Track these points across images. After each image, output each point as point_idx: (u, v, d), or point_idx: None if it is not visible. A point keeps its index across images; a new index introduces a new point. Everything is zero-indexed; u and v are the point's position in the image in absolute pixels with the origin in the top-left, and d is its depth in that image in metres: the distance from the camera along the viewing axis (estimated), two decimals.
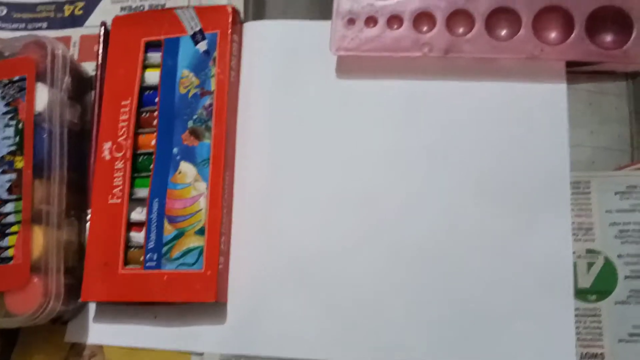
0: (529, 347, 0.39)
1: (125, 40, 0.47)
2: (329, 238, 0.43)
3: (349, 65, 0.45)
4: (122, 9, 0.51)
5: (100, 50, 0.48)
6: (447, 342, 0.40)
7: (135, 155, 0.45)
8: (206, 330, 0.43)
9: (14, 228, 0.42)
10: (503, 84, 0.43)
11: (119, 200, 0.44)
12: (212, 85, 0.45)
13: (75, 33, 0.51)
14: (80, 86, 0.48)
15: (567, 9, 0.42)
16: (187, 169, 0.44)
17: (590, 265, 0.40)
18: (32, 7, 0.52)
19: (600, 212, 0.41)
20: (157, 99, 0.45)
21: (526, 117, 0.43)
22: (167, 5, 0.50)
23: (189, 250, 0.43)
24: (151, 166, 0.44)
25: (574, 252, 0.40)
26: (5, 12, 0.53)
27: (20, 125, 0.44)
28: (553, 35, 0.42)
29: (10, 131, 0.44)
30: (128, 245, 0.44)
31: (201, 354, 0.43)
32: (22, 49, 0.46)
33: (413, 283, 0.41)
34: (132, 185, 0.45)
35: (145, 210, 0.44)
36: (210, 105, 0.44)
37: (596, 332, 0.39)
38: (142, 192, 0.44)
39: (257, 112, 0.46)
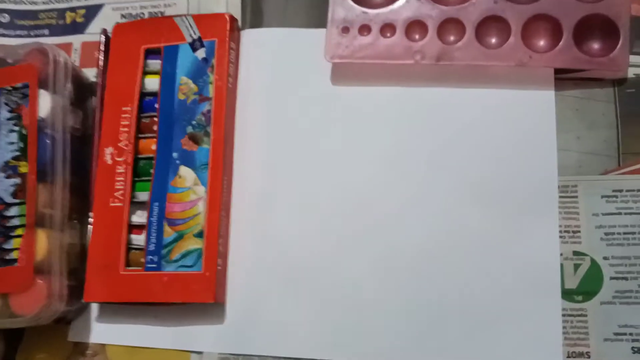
0: (517, 346, 0.40)
1: (126, 47, 0.48)
2: (324, 241, 0.44)
3: (344, 72, 0.46)
4: (123, 16, 0.52)
5: (101, 57, 0.48)
6: (438, 342, 0.41)
7: (136, 160, 0.46)
8: (205, 330, 0.44)
9: (19, 231, 0.43)
10: (493, 90, 0.44)
11: (120, 204, 0.45)
12: (211, 91, 0.46)
13: (76, 40, 0.52)
14: (82, 92, 0.48)
15: (555, 18, 0.42)
16: (186, 173, 0.45)
17: (576, 266, 0.41)
18: (34, 14, 0.53)
19: (586, 215, 0.42)
20: (157, 105, 0.46)
21: (515, 122, 0.43)
22: (167, 13, 0.51)
23: (188, 253, 0.44)
24: (151, 170, 0.45)
25: (561, 254, 0.41)
26: (7, 19, 0.53)
27: (23, 131, 0.44)
28: (542, 43, 0.43)
29: (14, 137, 0.45)
30: (129, 247, 0.45)
31: (200, 353, 0.44)
32: (24, 56, 0.46)
33: (405, 285, 0.42)
34: (133, 189, 0.45)
35: (145, 213, 0.45)
36: (209, 111, 0.45)
37: (582, 331, 0.40)
38: (143, 196, 0.45)
39: (254, 118, 0.47)
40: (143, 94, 0.47)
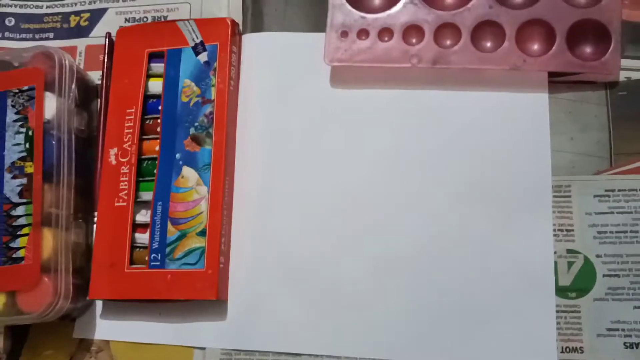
0: (513, 342, 0.41)
1: (130, 50, 0.49)
2: (324, 239, 0.45)
3: (342, 75, 0.47)
4: (127, 20, 0.52)
5: (105, 60, 0.49)
6: (434, 339, 0.42)
7: (140, 161, 0.47)
8: (208, 326, 0.44)
9: (25, 230, 0.44)
10: (488, 93, 0.45)
11: (125, 203, 0.46)
12: (213, 94, 0.46)
13: (81, 43, 0.53)
14: (87, 95, 0.49)
15: (549, 22, 0.43)
16: (189, 174, 0.46)
17: (570, 264, 0.42)
18: (39, 18, 0.54)
19: (580, 214, 0.42)
20: (160, 107, 0.47)
21: (510, 124, 0.44)
22: (170, 18, 0.52)
23: (191, 251, 0.44)
24: (155, 171, 0.46)
25: (555, 252, 0.42)
26: (13, 22, 0.54)
27: (30, 133, 0.45)
28: (535, 47, 0.44)
29: (21, 138, 0.45)
30: (133, 245, 0.45)
31: (203, 349, 0.45)
32: (30, 60, 0.47)
33: (402, 282, 0.43)
34: (137, 189, 0.46)
35: (149, 212, 0.46)
36: (211, 113, 0.46)
37: (576, 327, 0.41)
38: (147, 196, 0.46)
39: (255, 120, 0.47)
40: (147, 97, 0.48)
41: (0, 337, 0.47)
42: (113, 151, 0.47)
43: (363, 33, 0.45)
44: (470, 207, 0.43)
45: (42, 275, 0.43)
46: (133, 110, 0.47)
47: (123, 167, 0.46)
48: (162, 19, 0.52)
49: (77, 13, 0.53)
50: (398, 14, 0.45)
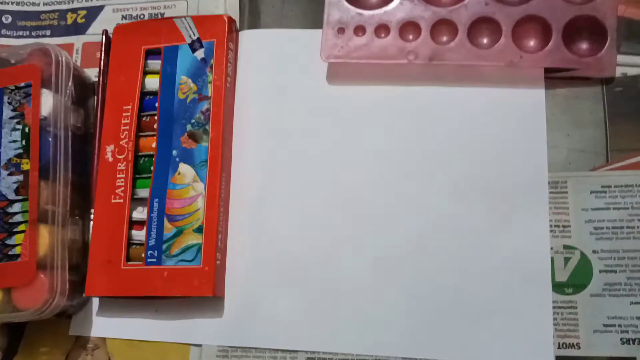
0: (509, 338, 0.41)
1: (126, 47, 0.49)
2: (320, 236, 0.45)
3: (339, 72, 0.47)
4: (123, 17, 0.52)
5: (102, 57, 0.49)
6: (432, 334, 0.42)
7: (136, 157, 0.47)
8: (204, 323, 0.44)
9: (21, 227, 0.44)
10: (484, 89, 0.45)
11: (121, 200, 0.46)
12: (209, 91, 0.46)
13: (77, 40, 0.53)
14: (83, 91, 0.49)
15: (545, 19, 0.43)
16: (185, 170, 0.46)
17: (567, 260, 0.42)
18: (36, 15, 0.54)
19: (576, 210, 0.42)
20: (157, 104, 0.47)
21: (506, 121, 0.44)
22: (166, 15, 0.52)
23: (187, 248, 0.44)
24: (152, 167, 0.46)
25: (551, 248, 0.42)
26: (10, 19, 0.54)
27: (26, 130, 0.45)
28: (532, 43, 0.44)
29: (17, 135, 0.45)
30: (130, 242, 0.45)
31: (199, 346, 0.44)
32: (27, 56, 0.47)
33: (399, 278, 0.43)
34: (133, 186, 0.46)
35: (146, 209, 0.46)
36: (208, 110, 0.46)
37: (572, 323, 0.41)
38: (143, 192, 0.46)
39: (252, 116, 0.48)
40: (143, 93, 0.48)
41: None
42: (110, 148, 0.47)
43: (359, 30, 0.45)
44: (467, 203, 0.43)
45: (38, 272, 0.43)
46: (130, 107, 0.47)
47: (120, 164, 0.46)
48: (159, 16, 0.52)
49: (74, 10, 0.53)
50: (394, 10, 0.45)
